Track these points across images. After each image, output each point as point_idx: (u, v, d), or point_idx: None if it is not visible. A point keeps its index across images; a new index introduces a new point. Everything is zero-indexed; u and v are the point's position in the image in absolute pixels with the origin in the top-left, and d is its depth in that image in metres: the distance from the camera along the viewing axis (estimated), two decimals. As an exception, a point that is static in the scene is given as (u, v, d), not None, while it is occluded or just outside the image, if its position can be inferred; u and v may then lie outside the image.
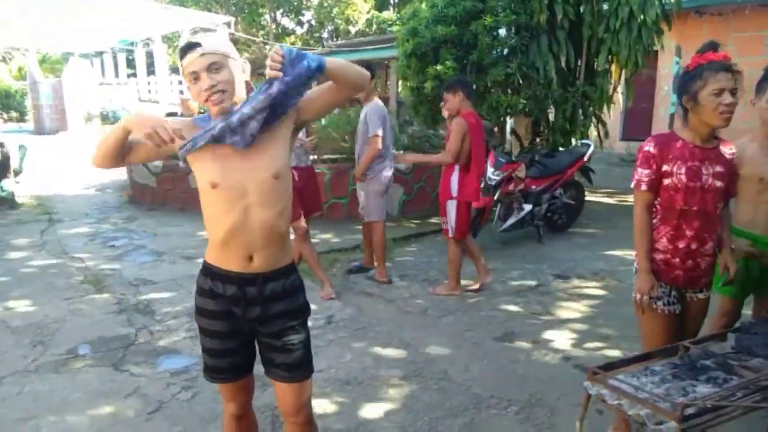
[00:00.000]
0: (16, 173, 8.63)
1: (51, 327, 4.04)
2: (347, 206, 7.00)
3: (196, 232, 6.52)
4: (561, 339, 3.88)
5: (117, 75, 30.04)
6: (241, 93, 1.84)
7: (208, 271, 1.92)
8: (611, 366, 2.05)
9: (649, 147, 2.31)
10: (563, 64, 7.12)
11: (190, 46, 1.77)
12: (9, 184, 7.92)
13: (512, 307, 4.43)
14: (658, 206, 2.35)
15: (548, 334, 3.95)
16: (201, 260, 1.97)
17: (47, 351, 3.67)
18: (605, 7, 7.00)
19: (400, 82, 9.87)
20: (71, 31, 20.84)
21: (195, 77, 1.76)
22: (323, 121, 9.09)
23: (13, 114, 7.17)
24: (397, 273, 5.21)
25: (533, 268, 5.36)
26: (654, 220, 2.36)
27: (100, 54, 30.88)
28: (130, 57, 29.82)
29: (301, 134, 4.71)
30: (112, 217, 7.48)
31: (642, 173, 2.32)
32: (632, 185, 2.36)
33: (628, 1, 6.37)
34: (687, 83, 2.24)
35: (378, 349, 3.74)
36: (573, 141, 7.45)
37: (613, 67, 7.29)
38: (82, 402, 3.10)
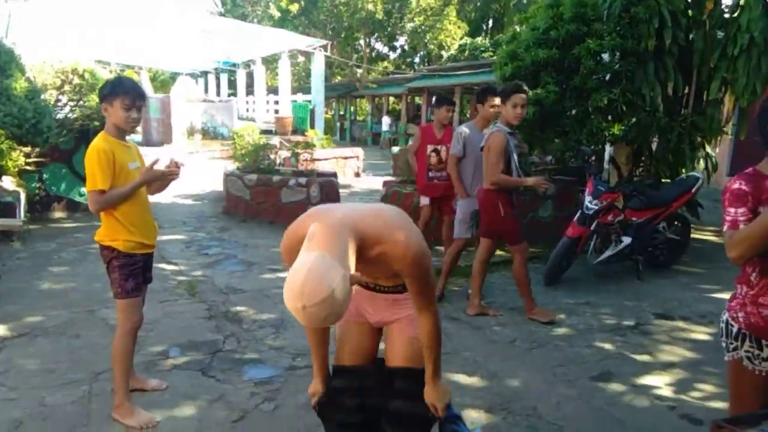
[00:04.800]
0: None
1: (146, 327, 4.16)
2: (434, 228, 6.91)
3: (284, 246, 6.64)
4: (663, 384, 3.57)
5: (219, 93, 31.81)
6: None
7: None
8: (738, 420, 1.82)
9: (740, 185, 2.01)
10: (670, 91, 6.74)
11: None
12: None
13: (608, 346, 4.15)
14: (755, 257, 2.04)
15: (649, 378, 3.64)
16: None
17: (141, 351, 3.79)
18: (719, 33, 6.58)
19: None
20: (179, 52, 22.29)
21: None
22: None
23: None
24: (483, 300, 5.02)
25: (632, 306, 5.01)
26: (753, 274, 2.07)
27: (204, 73, 32.89)
28: (232, 78, 31.56)
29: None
30: (207, 227, 7.77)
31: (737, 212, 1.99)
32: (725, 228, 2.01)
33: (748, 27, 5.92)
34: None
35: (463, 377, 3.59)
36: (677, 173, 7.00)
37: (727, 97, 6.81)
38: (170, 403, 3.17)
